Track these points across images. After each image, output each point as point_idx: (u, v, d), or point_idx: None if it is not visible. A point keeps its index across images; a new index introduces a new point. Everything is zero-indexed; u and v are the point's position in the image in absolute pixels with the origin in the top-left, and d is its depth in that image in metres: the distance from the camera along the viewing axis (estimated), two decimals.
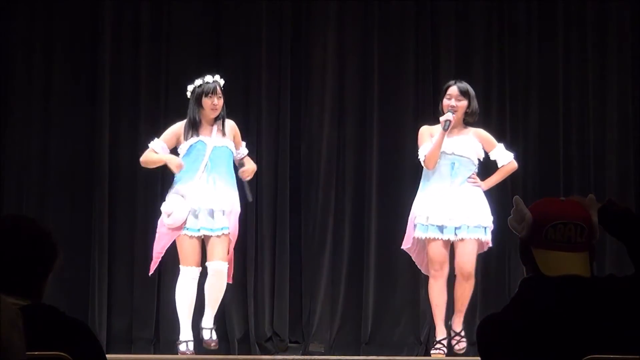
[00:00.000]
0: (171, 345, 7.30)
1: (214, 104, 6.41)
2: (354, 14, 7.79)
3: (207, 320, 6.45)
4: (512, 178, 7.57)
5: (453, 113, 6.49)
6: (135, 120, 7.58)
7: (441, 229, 6.46)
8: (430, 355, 6.69)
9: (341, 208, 7.66)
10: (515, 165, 6.71)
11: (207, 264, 6.41)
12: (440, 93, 6.74)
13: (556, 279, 2.58)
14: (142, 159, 6.59)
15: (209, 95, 6.41)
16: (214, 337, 6.45)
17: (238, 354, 7.30)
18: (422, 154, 6.54)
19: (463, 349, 6.55)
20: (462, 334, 6.59)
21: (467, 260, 6.48)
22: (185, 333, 6.41)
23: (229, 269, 6.47)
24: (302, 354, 7.22)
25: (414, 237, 6.54)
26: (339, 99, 7.74)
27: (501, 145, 6.69)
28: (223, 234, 6.35)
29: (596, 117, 7.75)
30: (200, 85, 6.44)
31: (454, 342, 6.57)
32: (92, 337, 2.65)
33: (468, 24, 7.82)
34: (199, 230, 6.34)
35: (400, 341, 7.44)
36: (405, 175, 7.63)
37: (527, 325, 2.54)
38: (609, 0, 7.83)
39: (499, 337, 2.55)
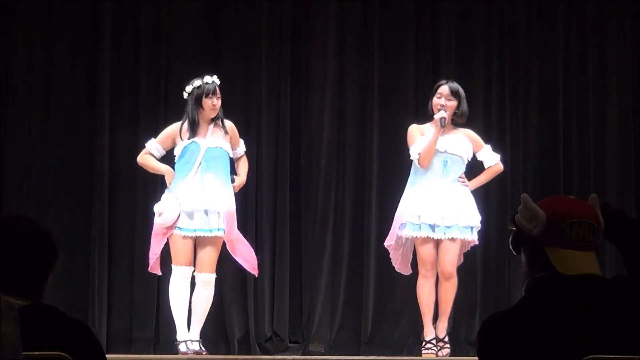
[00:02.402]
0: (171, 345, 7.29)
1: (214, 104, 6.42)
2: (354, 14, 7.79)
3: (194, 333, 6.43)
4: (512, 178, 7.59)
5: (445, 112, 6.50)
6: (135, 120, 7.58)
7: (433, 227, 6.44)
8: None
9: (341, 208, 7.65)
10: (501, 167, 6.71)
11: (195, 274, 6.41)
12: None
13: (575, 278, 2.56)
14: (139, 159, 6.62)
15: (209, 95, 6.41)
16: (202, 348, 6.43)
17: (238, 354, 7.30)
18: (415, 152, 6.53)
19: (447, 355, 6.52)
20: (446, 339, 6.55)
21: (449, 260, 6.46)
22: (183, 333, 6.41)
23: (253, 261, 6.47)
24: (302, 354, 7.22)
25: (400, 236, 6.51)
26: (339, 99, 7.74)
27: (488, 147, 6.69)
28: (217, 235, 6.36)
29: (596, 117, 7.75)
30: (200, 86, 6.44)
31: (437, 348, 6.52)
32: (92, 337, 2.65)
33: (468, 24, 7.82)
34: (194, 230, 6.34)
35: (400, 341, 7.44)
36: (405, 175, 7.60)
37: (543, 324, 2.50)
38: (609, 0, 7.83)
39: (509, 336, 2.52)
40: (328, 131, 7.69)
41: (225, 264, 6.83)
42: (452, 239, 6.44)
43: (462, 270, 6.76)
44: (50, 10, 7.62)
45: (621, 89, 7.77)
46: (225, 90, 6.60)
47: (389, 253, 6.65)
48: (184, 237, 6.35)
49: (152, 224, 6.71)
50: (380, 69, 7.71)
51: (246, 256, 6.51)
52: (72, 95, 7.60)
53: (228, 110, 6.89)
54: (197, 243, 6.39)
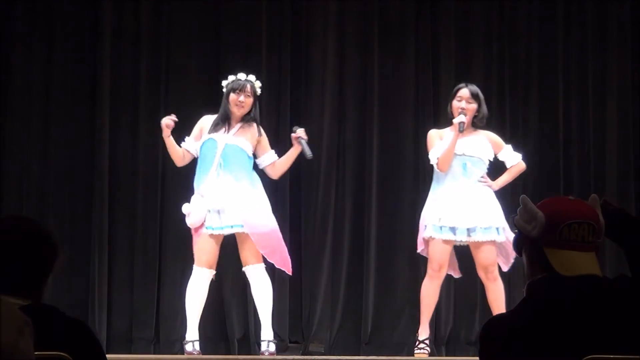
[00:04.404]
0: (171, 345, 7.31)
1: (240, 100, 6.40)
2: (354, 14, 7.79)
3: (267, 332, 6.40)
4: None
5: (465, 115, 6.48)
6: (135, 120, 7.58)
7: (453, 230, 6.43)
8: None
9: (341, 208, 7.65)
10: (523, 165, 6.71)
11: (244, 269, 6.38)
12: (438, 93, 6.73)
13: (575, 279, 2.56)
14: (172, 155, 6.55)
15: (236, 91, 6.41)
16: (273, 348, 6.40)
17: (238, 354, 7.30)
18: (434, 157, 6.49)
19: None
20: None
21: (489, 263, 6.43)
22: (192, 333, 6.38)
23: (285, 258, 6.42)
24: (302, 354, 7.22)
25: (424, 238, 6.50)
26: (339, 99, 7.74)
27: (509, 147, 6.68)
28: (244, 232, 6.32)
29: (596, 117, 7.75)
30: (233, 81, 6.46)
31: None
32: (92, 337, 2.65)
33: (468, 24, 7.83)
34: (222, 228, 6.32)
35: (400, 341, 7.43)
36: (405, 175, 7.64)
37: (544, 326, 2.50)
38: (609, 0, 7.83)
39: (510, 338, 2.52)
40: (328, 131, 7.68)
41: (226, 263, 6.83)
42: (482, 242, 6.41)
43: (462, 271, 6.75)
44: (50, 10, 7.62)
45: (621, 89, 7.77)
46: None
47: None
48: (211, 235, 6.32)
49: (154, 223, 6.71)
50: (380, 69, 7.71)
51: (281, 250, 6.45)
52: (72, 95, 7.60)
53: None
54: (237, 240, 6.34)
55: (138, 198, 7.52)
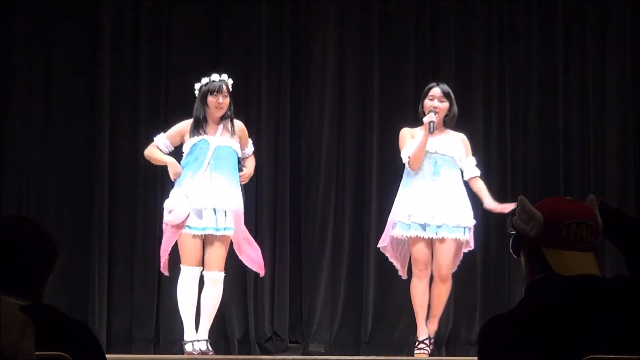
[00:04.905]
0: (171, 345, 7.31)
1: (219, 102, 6.41)
2: (354, 14, 7.79)
3: (203, 332, 6.41)
4: (512, 178, 7.59)
5: (435, 114, 6.50)
6: (135, 120, 7.58)
7: (423, 227, 6.43)
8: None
9: (341, 208, 7.66)
10: (481, 182, 6.61)
11: (204, 272, 6.39)
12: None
13: (574, 278, 2.56)
14: (145, 152, 6.60)
15: (214, 93, 6.41)
16: (210, 347, 6.41)
17: (238, 354, 7.30)
18: (405, 156, 6.54)
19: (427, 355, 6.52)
20: (432, 340, 6.56)
21: (445, 262, 6.45)
22: (190, 333, 6.39)
23: (259, 260, 6.46)
24: (302, 354, 7.22)
25: (391, 236, 6.51)
26: (339, 99, 7.74)
27: (473, 159, 6.66)
28: (225, 234, 6.35)
29: (596, 117, 7.75)
30: (207, 83, 6.45)
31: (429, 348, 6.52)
32: (92, 337, 2.65)
33: (468, 24, 7.83)
34: (204, 229, 6.33)
35: (400, 341, 7.43)
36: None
37: (543, 326, 2.50)
38: (609, 0, 7.83)
39: (509, 338, 2.51)
40: (328, 131, 7.69)
41: (226, 263, 6.83)
42: (443, 239, 6.42)
43: (462, 272, 6.76)
44: (50, 10, 7.62)
45: (621, 89, 7.77)
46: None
47: (387, 257, 6.65)
48: (194, 236, 6.33)
49: (154, 223, 6.71)
50: (380, 69, 7.71)
51: (252, 256, 6.49)
52: (72, 95, 7.60)
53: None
54: (206, 241, 6.37)
55: (138, 198, 7.53)
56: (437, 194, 6.46)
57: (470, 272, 7.32)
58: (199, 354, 6.33)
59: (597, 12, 7.83)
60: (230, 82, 6.50)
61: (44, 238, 2.63)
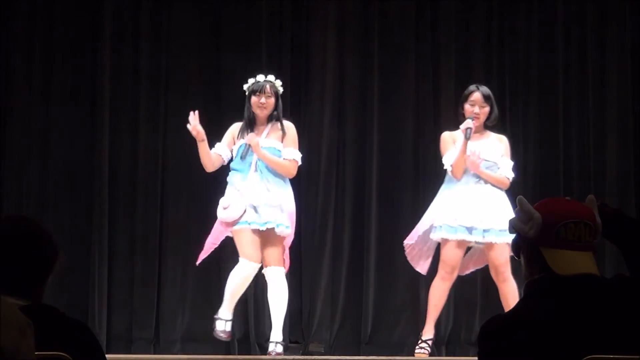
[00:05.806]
0: (171, 345, 7.31)
1: (261, 102, 6.41)
2: (354, 14, 7.79)
3: (277, 334, 6.36)
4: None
5: (473, 120, 6.44)
6: (135, 120, 7.58)
7: (470, 230, 6.39)
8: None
9: (341, 208, 7.66)
10: (506, 182, 6.54)
11: (264, 270, 6.36)
12: (438, 93, 6.71)
13: (572, 278, 2.56)
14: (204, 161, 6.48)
15: (257, 93, 6.42)
16: (280, 349, 6.37)
17: (238, 354, 7.30)
18: (447, 163, 6.46)
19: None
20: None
21: (500, 264, 6.40)
22: (224, 311, 6.36)
23: (285, 261, 6.44)
24: (302, 354, 7.22)
25: (430, 238, 6.47)
26: (339, 99, 7.74)
27: (511, 163, 6.59)
28: (282, 231, 6.31)
29: (596, 117, 7.75)
30: (252, 84, 6.47)
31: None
32: (92, 337, 2.65)
33: (468, 24, 7.83)
34: (265, 224, 6.28)
35: (400, 341, 7.44)
36: (405, 175, 7.65)
37: (542, 326, 2.50)
38: (609, 1, 7.83)
39: (509, 338, 2.52)
40: (328, 131, 7.69)
41: (226, 263, 6.83)
42: (496, 243, 6.36)
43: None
44: (50, 10, 7.62)
45: (621, 89, 7.78)
46: (225, 90, 6.60)
47: (404, 250, 6.61)
48: (253, 230, 6.29)
49: (154, 223, 6.70)
50: (380, 69, 7.71)
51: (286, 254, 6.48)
52: (72, 95, 7.60)
53: (227, 110, 6.91)
54: (265, 237, 6.34)
55: (138, 198, 7.52)
56: (483, 197, 6.41)
57: (470, 273, 7.31)
58: (227, 335, 6.34)
59: (597, 12, 7.83)
60: (279, 82, 6.50)
61: (44, 238, 2.63)
